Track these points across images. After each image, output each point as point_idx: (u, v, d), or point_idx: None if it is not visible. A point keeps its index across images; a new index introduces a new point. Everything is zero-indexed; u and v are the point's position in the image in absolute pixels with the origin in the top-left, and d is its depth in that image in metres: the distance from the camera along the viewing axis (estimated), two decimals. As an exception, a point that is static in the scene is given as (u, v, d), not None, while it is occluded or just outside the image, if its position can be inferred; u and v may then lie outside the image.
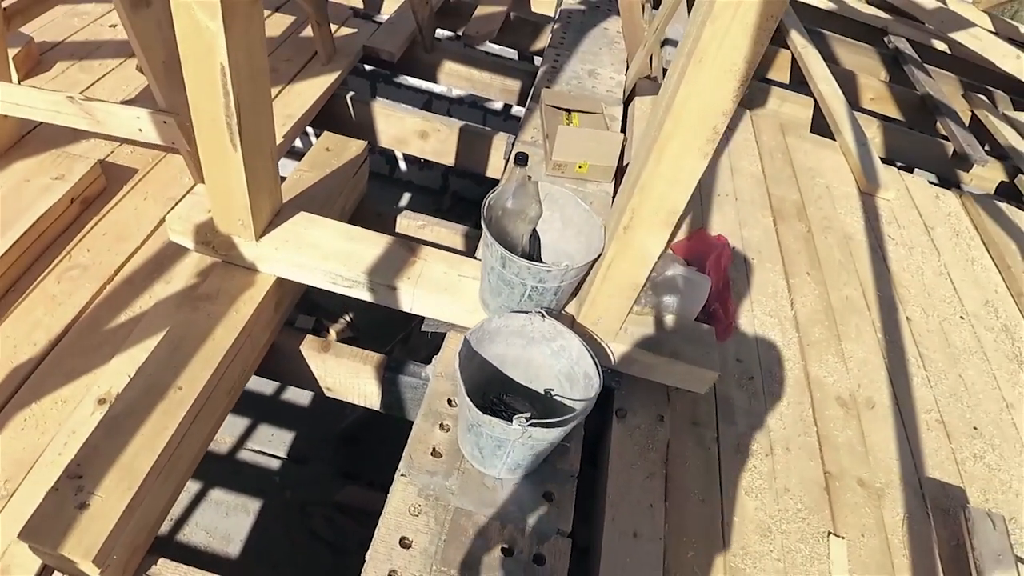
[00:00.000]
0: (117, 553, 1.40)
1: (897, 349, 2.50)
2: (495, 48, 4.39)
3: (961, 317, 2.77)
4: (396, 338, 4.78)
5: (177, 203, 2.20)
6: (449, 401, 1.70)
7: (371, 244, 1.83)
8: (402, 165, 5.75)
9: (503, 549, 1.46)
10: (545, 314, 1.54)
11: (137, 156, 2.36)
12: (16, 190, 2.09)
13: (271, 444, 4.54)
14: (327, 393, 2.07)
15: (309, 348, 1.95)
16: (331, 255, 1.78)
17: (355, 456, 4.42)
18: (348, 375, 1.99)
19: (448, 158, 2.87)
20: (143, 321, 1.88)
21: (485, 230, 1.55)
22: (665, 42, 3.27)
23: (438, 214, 3.69)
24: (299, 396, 4.79)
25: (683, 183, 1.40)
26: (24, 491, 1.56)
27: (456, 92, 5.19)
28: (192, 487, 4.23)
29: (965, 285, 2.95)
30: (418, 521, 1.47)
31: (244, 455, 4.54)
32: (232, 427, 4.60)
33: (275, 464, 4.39)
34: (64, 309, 1.90)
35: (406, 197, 5.80)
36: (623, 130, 2.84)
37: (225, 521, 4.14)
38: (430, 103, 5.23)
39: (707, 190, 2.93)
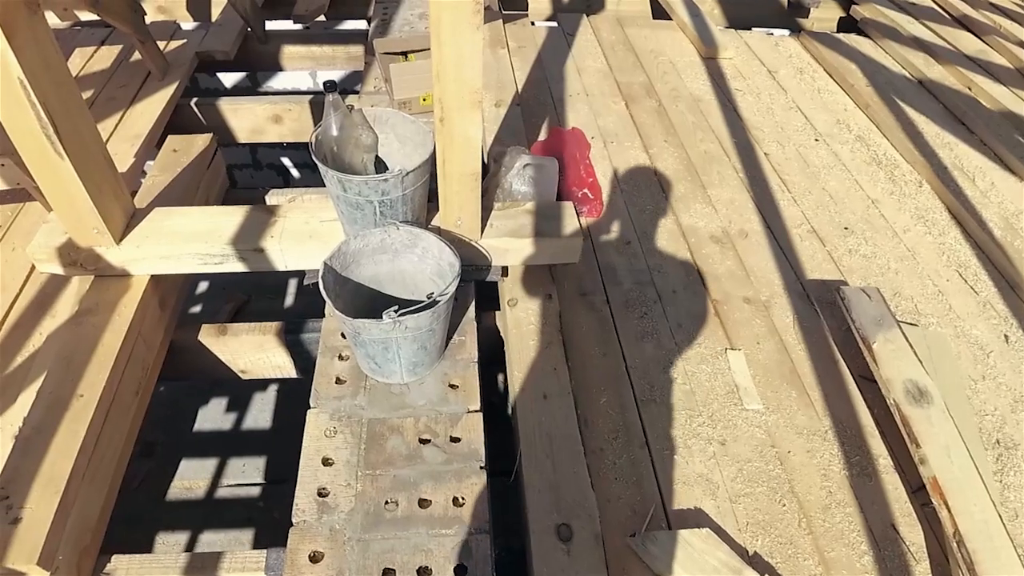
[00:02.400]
0: (63, 553, 1.46)
1: (760, 182, 2.69)
2: (347, 26, 4.40)
3: (816, 140, 2.98)
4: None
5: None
6: (342, 335, 1.79)
7: (229, 216, 1.89)
8: (294, 172, 5.72)
9: (421, 440, 1.58)
10: (399, 224, 1.64)
11: (-7, 212, 2.35)
12: None
13: (245, 475, 4.57)
14: (243, 376, 2.13)
15: (207, 336, 2.01)
16: (192, 237, 1.84)
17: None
18: (254, 351, 2.06)
19: (308, 135, 2.91)
20: (38, 356, 1.91)
21: (317, 162, 1.63)
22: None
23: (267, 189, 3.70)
24: (258, 421, 4.81)
25: (468, 59, 1.50)
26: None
27: (320, 78, 5.18)
28: (180, 538, 4.25)
29: (815, 112, 3.16)
30: (335, 440, 1.57)
31: (222, 492, 4.56)
32: (201, 470, 4.60)
33: (255, 491, 4.43)
34: (-43, 370, 1.92)
35: (220, 183, 5.77)
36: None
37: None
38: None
39: (558, 94, 3.06)
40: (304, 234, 1.86)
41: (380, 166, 1.88)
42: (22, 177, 2.03)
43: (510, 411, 1.82)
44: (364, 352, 1.58)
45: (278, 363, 2.10)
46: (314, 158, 1.63)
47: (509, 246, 1.92)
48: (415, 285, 1.75)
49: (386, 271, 1.72)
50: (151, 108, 2.76)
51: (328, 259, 1.57)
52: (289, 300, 4.93)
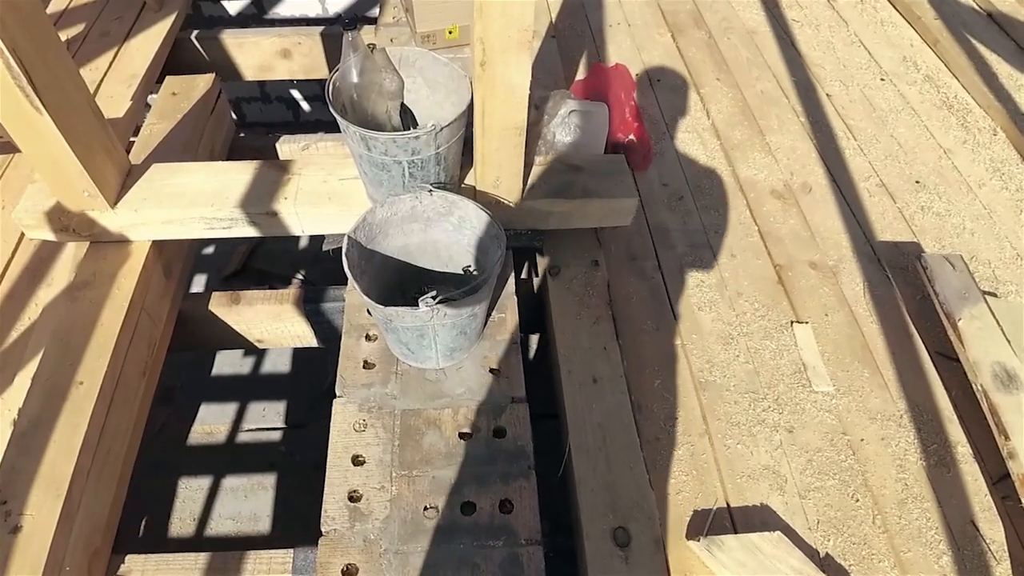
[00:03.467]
0: (70, 560, 1.33)
1: (823, 128, 2.41)
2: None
3: (881, 79, 2.67)
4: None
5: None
6: (368, 311, 1.60)
7: (238, 174, 1.67)
8: (304, 106, 5.40)
9: (461, 434, 1.41)
10: (432, 188, 1.41)
11: (-22, 166, 2.13)
12: None
13: (265, 419, 4.50)
14: (259, 346, 1.97)
15: (219, 305, 1.83)
16: (198, 199, 1.62)
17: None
18: (270, 321, 1.88)
19: (320, 72, 2.65)
20: (34, 331, 1.73)
21: (335, 115, 1.39)
22: None
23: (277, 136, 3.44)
24: (277, 364, 4.72)
25: (521, -5, 1.24)
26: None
27: (331, 8, 4.81)
28: (203, 483, 4.22)
29: (879, 47, 2.84)
30: (366, 435, 1.40)
31: (243, 437, 4.50)
32: (221, 415, 4.54)
33: (276, 436, 4.36)
34: (-51, 344, 1.75)
35: (226, 128, 5.48)
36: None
37: (246, 504, 4.14)
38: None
39: (597, 24, 2.74)
40: (322, 195, 1.64)
41: (406, 115, 1.64)
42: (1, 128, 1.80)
43: (553, 396, 1.65)
44: (396, 337, 1.39)
45: (297, 333, 1.92)
46: (331, 110, 1.40)
47: (553, 208, 1.69)
48: (449, 257, 1.54)
49: (417, 242, 1.51)
50: (148, 43, 2.49)
51: (352, 231, 1.36)
52: (304, 241, 4.73)
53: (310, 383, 4.55)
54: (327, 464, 1.38)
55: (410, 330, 1.32)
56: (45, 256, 1.89)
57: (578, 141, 1.80)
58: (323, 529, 1.29)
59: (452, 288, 1.61)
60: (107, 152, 1.58)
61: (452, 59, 1.94)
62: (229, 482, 4.29)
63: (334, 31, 2.60)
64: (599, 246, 1.87)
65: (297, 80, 2.75)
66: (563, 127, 1.77)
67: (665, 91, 2.47)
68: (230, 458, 4.46)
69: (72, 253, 1.87)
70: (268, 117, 5.46)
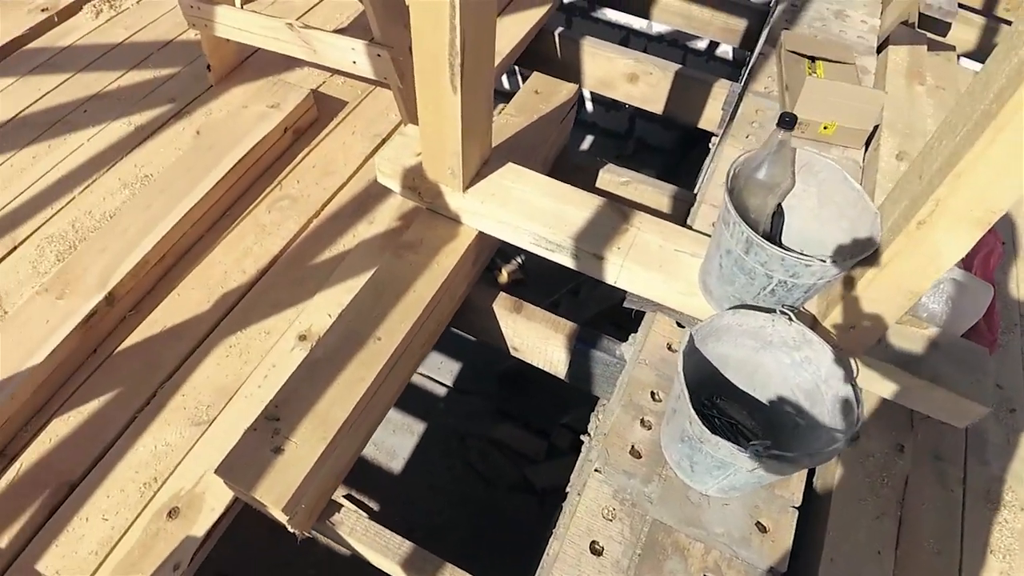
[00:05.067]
0: (305, 501, 1.40)
1: None
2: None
3: None
4: (564, 288, 4.67)
5: (383, 141, 2.15)
6: (652, 394, 1.51)
7: (579, 206, 1.65)
8: (588, 106, 5.47)
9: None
10: (792, 316, 1.28)
11: (347, 88, 2.33)
12: (235, 115, 2.14)
13: (439, 372, 4.67)
14: (512, 352, 1.97)
15: (501, 307, 1.84)
16: (537, 215, 1.62)
17: (513, 396, 4.45)
18: (537, 339, 1.86)
19: (657, 105, 2.59)
20: (346, 261, 1.86)
21: (728, 203, 1.30)
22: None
23: (619, 160, 3.43)
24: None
25: (1017, 173, 1.06)
26: (224, 420, 1.61)
27: (656, 29, 4.77)
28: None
29: None
30: (611, 527, 1.32)
31: (414, 378, 4.72)
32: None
33: (441, 391, 4.52)
34: (272, 239, 1.93)
35: (588, 140, 5.55)
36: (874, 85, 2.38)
37: (392, 438, 4.35)
38: (627, 40, 4.86)
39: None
40: (653, 260, 1.57)
41: (777, 217, 1.51)
42: (391, 75, 1.93)
43: None
44: (686, 452, 1.28)
45: (553, 359, 1.90)
46: (726, 195, 1.30)
47: (890, 376, 1.49)
48: (764, 385, 1.40)
49: (741, 357, 1.39)
50: (516, 27, 2.57)
51: (695, 330, 1.27)
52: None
53: (488, 358, 4.66)
54: (564, 534, 1.32)
55: (713, 458, 1.21)
56: (374, 194, 2.02)
57: (944, 313, 1.56)
58: (541, 604, 1.23)
59: (745, 411, 1.48)
60: (481, 139, 1.63)
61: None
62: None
63: (689, 72, 2.52)
64: (910, 428, 1.63)
65: (629, 105, 2.70)
66: (935, 292, 1.55)
67: (1031, 272, 2.11)
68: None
69: (398, 202, 1.98)
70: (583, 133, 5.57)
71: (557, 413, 4.32)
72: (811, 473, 1.61)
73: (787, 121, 1.25)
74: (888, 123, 2.28)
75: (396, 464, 4.24)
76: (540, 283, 4.89)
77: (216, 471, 1.37)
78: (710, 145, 2.51)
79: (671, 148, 5.11)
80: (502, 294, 1.86)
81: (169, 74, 2.43)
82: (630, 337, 1.78)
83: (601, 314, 3.74)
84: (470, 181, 1.66)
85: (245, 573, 3.55)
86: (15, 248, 1.96)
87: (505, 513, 3.90)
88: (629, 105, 2.64)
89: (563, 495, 1.70)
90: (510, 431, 4.19)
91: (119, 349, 1.75)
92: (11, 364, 1.60)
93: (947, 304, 1.55)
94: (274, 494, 1.32)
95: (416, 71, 1.44)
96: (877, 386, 1.52)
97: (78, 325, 1.68)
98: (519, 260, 4.97)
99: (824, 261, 1.20)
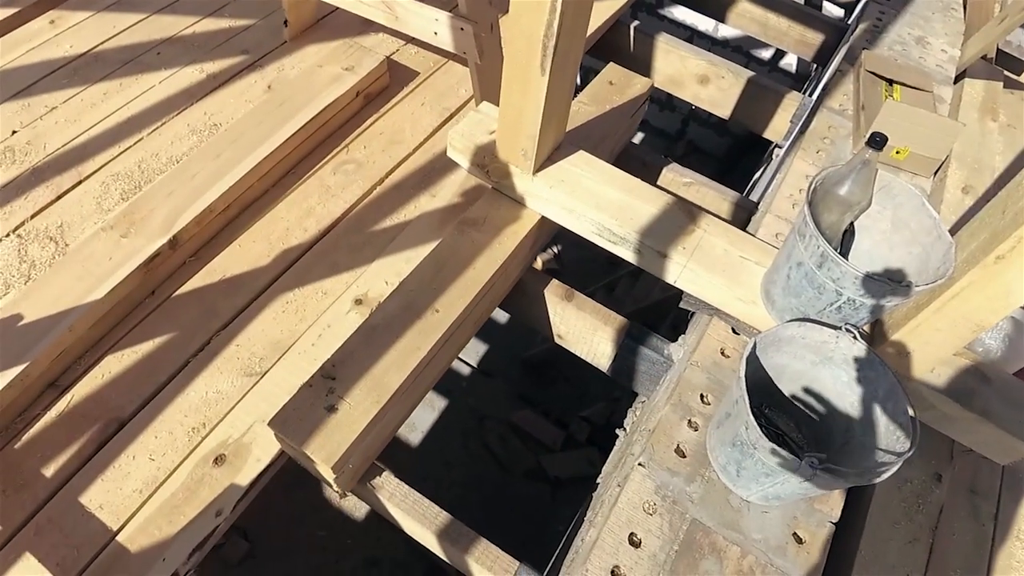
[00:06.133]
0: (353, 462, 1.43)
1: None
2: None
3: None
4: (598, 283, 4.67)
5: (452, 116, 2.16)
6: (702, 397, 1.52)
7: (648, 201, 1.65)
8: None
9: (739, 581, 1.30)
10: (858, 335, 1.28)
11: (420, 58, 2.34)
12: (308, 74, 2.16)
13: (466, 351, 4.70)
14: (556, 340, 1.98)
15: (552, 294, 1.85)
16: (604, 206, 1.63)
17: (536, 383, 4.47)
18: (585, 330, 1.87)
19: (724, 109, 2.57)
20: (407, 231, 1.88)
21: (807, 216, 1.30)
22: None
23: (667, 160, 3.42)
24: (499, 312, 4.90)
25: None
26: (275, 373, 1.64)
27: (722, 33, 4.73)
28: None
29: None
30: (651, 521, 1.34)
31: (434, 356, 4.76)
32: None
33: (465, 370, 4.55)
34: (336, 201, 1.96)
35: (638, 136, 5.52)
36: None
37: (417, 412, 4.40)
38: (691, 40, 4.80)
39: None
40: (716, 263, 1.57)
41: (847, 235, 1.50)
42: (471, 50, 1.93)
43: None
44: (735, 457, 1.29)
45: (598, 351, 1.90)
46: (806, 208, 1.30)
47: (939, 405, 1.48)
48: (818, 401, 1.41)
49: (798, 369, 1.39)
50: (594, 16, 2.54)
51: (760, 338, 1.28)
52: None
53: (513, 343, 4.68)
54: (604, 523, 1.34)
55: (764, 465, 1.22)
56: (439, 167, 2.03)
57: (1000, 350, 1.55)
58: (577, 588, 1.25)
59: (792, 422, 1.48)
60: (558, 124, 1.63)
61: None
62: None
63: (761, 80, 2.50)
64: (950, 460, 1.63)
65: (695, 107, 2.68)
66: (994, 328, 1.54)
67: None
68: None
69: (462, 178, 1.99)
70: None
71: (577, 405, 4.34)
72: (850, 490, 1.62)
73: (877, 141, 1.24)
74: (957, 155, 2.25)
75: (415, 437, 4.29)
76: (575, 275, 4.90)
77: (269, 423, 1.40)
78: (773, 155, 2.49)
79: (722, 155, 5.07)
80: (554, 281, 1.88)
81: (244, 25, 2.45)
82: (679, 338, 1.79)
83: (636, 312, 3.75)
84: (540, 165, 1.67)
85: (259, 526, 3.63)
86: (80, 182, 2.00)
87: (516, 498, 3.94)
88: (696, 107, 2.62)
89: (591, 487, 1.72)
90: (529, 417, 4.22)
91: (177, 293, 1.79)
92: (72, 297, 1.64)
93: (1004, 341, 1.54)
94: (325, 451, 1.35)
95: (506, 49, 1.45)
96: (925, 414, 1.52)
97: (140, 265, 1.71)
98: (555, 250, 4.97)
99: (903, 285, 1.20)
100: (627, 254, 1.65)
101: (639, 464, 1.41)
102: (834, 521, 1.40)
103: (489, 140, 1.70)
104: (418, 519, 1.51)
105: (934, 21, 2.70)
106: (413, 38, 2.25)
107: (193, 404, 1.60)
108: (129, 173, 2.03)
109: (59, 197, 1.94)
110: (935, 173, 2.09)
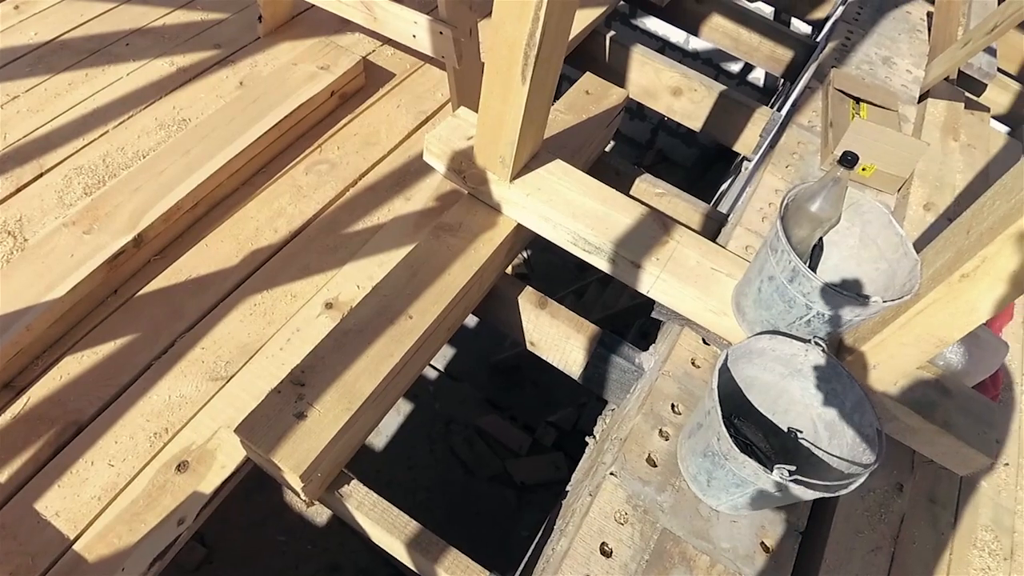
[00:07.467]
0: (321, 470, 1.40)
1: None
2: (757, 6, 3.95)
3: None
4: (567, 289, 4.69)
5: (428, 119, 2.15)
6: (673, 406, 1.53)
7: (623, 212, 1.66)
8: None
9: (707, 590, 1.31)
10: (826, 351, 1.31)
11: (396, 59, 2.32)
12: (282, 72, 2.12)
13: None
14: (529, 347, 1.98)
15: (527, 301, 1.85)
16: (580, 215, 1.63)
17: (504, 388, 4.47)
18: (558, 337, 1.88)
19: (695, 122, 2.60)
20: (380, 234, 1.86)
21: (780, 231, 1.32)
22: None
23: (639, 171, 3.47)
24: (468, 317, 4.88)
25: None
26: (242, 378, 1.60)
27: (693, 45, 4.80)
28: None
29: None
30: (622, 531, 1.35)
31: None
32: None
33: (432, 374, 4.52)
34: (308, 202, 1.93)
35: (609, 145, 5.57)
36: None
37: (375, 415, 4.36)
38: (662, 52, 4.87)
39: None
40: (689, 275, 1.59)
41: (815, 251, 1.54)
42: (450, 54, 1.93)
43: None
44: (705, 467, 1.31)
45: (569, 359, 1.91)
46: (778, 224, 1.33)
47: (902, 416, 1.52)
48: (786, 413, 1.43)
49: (767, 380, 1.41)
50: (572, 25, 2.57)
51: (731, 349, 1.30)
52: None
53: (482, 348, 4.67)
54: (575, 533, 1.34)
55: (734, 475, 1.23)
56: (413, 171, 2.02)
57: (960, 364, 1.60)
58: (548, 598, 1.25)
59: (760, 432, 1.51)
60: (536, 133, 1.63)
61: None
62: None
63: (733, 94, 2.54)
64: (911, 471, 1.67)
65: (667, 119, 2.71)
66: (956, 343, 1.58)
67: (1038, 336, 2.16)
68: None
69: (436, 183, 1.98)
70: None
71: (544, 410, 4.35)
72: (815, 500, 1.65)
73: (848, 160, 1.27)
74: (920, 173, 2.32)
75: (379, 441, 4.25)
76: (545, 280, 4.91)
77: (236, 430, 1.36)
78: (743, 168, 2.54)
79: (690, 165, 5.15)
80: (528, 288, 1.88)
81: (217, 19, 2.40)
82: (651, 347, 1.81)
83: (605, 318, 3.78)
84: (518, 172, 1.67)
85: (217, 531, 3.55)
86: (42, 175, 1.94)
87: (481, 503, 3.93)
88: (668, 119, 2.65)
89: (557, 492, 1.72)
90: (496, 422, 4.22)
91: (140, 293, 1.74)
92: (30, 294, 1.58)
93: (964, 356, 1.59)
94: (294, 460, 1.32)
95: (488, 57, 1.45)
96: (888, 425, 1.56)
97: (103, 263, 1.66)
98: (525, 254, 4.98)
99: (871, 300, 1.23)
100: (602, 264, 1.66)
101: (611, 473, 1.41)
102: (801, 531, 1.42)
103: (467, 145, 1.70)
104: (387, 528, 1.49)
105: (900, 42, 2.78)
106: (390, 39, 2.23)
107: (155, 408, 1.55)
108: (93, 167, 1.97)
109: (19, 190, 1.87)
110: (899, 190, 2.15)
